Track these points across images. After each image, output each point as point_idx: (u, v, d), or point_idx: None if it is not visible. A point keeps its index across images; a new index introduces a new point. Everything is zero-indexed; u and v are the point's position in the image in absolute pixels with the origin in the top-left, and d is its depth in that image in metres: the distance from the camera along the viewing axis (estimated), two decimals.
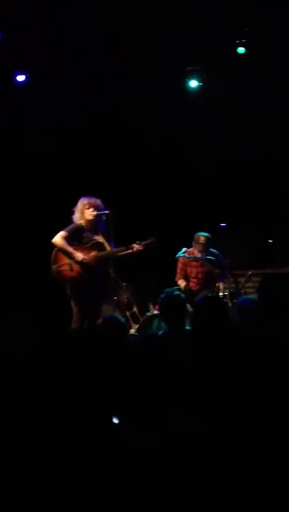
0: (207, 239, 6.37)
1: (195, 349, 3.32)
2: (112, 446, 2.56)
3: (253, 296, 5.59)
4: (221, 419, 2.70)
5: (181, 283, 6.37)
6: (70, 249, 5.82)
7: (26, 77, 7.47)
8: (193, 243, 6.44)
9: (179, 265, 6.54)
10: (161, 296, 4.18)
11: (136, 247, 5.82)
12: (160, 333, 4.13)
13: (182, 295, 4.22)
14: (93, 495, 2.41)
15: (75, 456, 2.52)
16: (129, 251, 5.86)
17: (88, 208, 5.89)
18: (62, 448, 2.55)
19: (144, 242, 5.86)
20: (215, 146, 7.94)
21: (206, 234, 6.41)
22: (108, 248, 5.88)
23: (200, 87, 7.72)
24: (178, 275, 6.54)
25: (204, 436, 2.55)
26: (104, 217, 5.90)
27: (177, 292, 4.22)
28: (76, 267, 5.83)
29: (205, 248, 6.37)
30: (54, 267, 5.85)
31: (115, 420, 2.74)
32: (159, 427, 2.64)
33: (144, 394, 2.87)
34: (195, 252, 6.46)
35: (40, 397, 2.88)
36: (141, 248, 5.82)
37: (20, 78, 7.45)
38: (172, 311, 4.07)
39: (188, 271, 6.51)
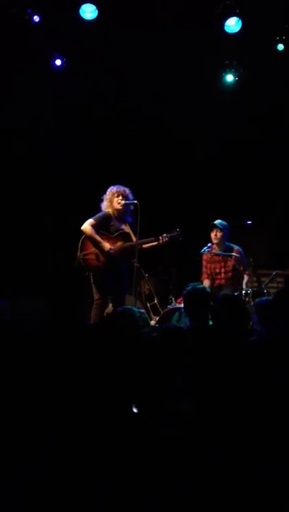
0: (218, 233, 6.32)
1: (212, 346, 3.33)
2: (129, 437, 2.57)
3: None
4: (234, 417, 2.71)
5: (206, 283, 6.31)
6: (98, 238, 5.82)
7: (63, 61, 7.46)
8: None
9: (203, 262, 6.50)
10: (187, 289, 4.17)
11: (162, 239, 5.81)
12: (184, 326, 4.13)
13: (208, 289, 4.22)
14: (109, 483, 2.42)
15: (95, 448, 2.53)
16: (155, 243, 5.85)
17: (117, 197, 5.88)
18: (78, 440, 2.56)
19: (169, 235, 5.85)
20: (246, 142, 7.90)
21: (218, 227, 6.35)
22: (134, 239, 5.87)
23: (236, 82, 7.66)
24: (203, 274, 6.49)
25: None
26: (132, 207, 5.90)
27: (202, 286, 4.21)
28: (102, 257, 5.84)
29: (221, 241, 6.32)
30: (80, 254, 5.86)
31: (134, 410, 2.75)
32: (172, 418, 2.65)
33: (158, 385, 2.88)
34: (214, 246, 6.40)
35: (53, 386, 2.90)
36: (166, 240, 5.81)
37: (58, 63, 7.44)
38: (196, 305, 4.07)
39: (213, 267, 6.47)
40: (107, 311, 6.04)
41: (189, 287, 4.16)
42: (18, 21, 6.85)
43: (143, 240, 5.87)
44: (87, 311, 5.94)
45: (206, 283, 6.34)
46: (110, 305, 6.09)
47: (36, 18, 6.92)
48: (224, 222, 6.36)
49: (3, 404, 2.78)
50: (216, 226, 6.29)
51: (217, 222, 6.32)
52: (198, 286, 4.16)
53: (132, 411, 2.77)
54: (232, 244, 6.40)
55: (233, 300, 3.78)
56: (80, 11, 6.80)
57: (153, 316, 6.60)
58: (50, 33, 7.06)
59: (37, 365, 3.05)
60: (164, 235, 5.87)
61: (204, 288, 4.17)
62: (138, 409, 2.73)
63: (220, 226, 6.28)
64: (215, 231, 6.30)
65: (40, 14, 6.92)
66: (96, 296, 5.86)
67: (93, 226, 5.84)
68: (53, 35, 7.11)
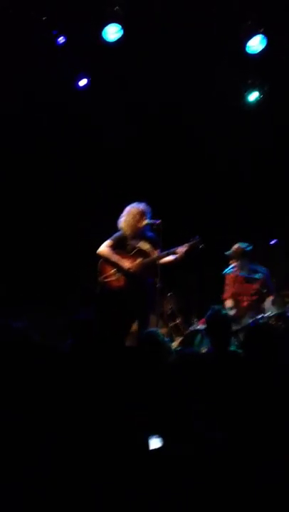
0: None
1: (243, 373, 3.29)
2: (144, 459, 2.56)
3: None
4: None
5: (229, 303, 6.25)
6: (115, 258, 5.80)
7: (88, 81, 7.51)
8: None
9: (227, 281, 6.45)
10: (209, 313, 4.13)
11: (180, 250, 5.70)
12: (205, 351, 4.11)
13: (230, 314, 4.18)
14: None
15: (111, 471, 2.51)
16: (173, 258, 5.74)
17: (142, 216, 5.85)
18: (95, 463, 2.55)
19: (188, 244, 5.71)
20: (270, 160, 7.87)
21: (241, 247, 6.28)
22: (154, 255, 5.83)
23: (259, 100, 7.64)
24: (226, 293, 6.44)
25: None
26: (154, 227, 5.86)
27: (225, 311, 4.17)
28: (122, 277, 5.82)
29: (241, 267, 6.24)
30: (101, 278, 5.82)
31: (156, 442, 2.72)
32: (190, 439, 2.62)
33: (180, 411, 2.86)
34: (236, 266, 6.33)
35: (73, 408, 2.89)
36: (184, 250, 5.68)
37: (83, 83, 7.49)
38: (218, 330, 4.03)
39: (236, 287, 6.41)
40: (131, 330, 5.99)
41: (212, 311, 4.12)
42: (43, 43, 6.92)
43: (161, 254, 5.72)
44: None
45: (229, 303, 6.29)
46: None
47: (61, 40, 6.99)
48: (243, 245, 6.26)
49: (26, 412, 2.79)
50: (228, 256, 6.24)
51: (234, 247, 6.24)
52: (221, 312, 4.12)
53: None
54: (258, 267, 6.33)
55: (267, 330, 3.68)
56: (103, 34, 6.82)
57: (175, 337, 6.56)
58: (75, 54, 7.12)
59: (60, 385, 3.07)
60: (184, 244, 5.72)
61: (226, 313, 4.14)
62: (162, 438, 2.70)
63: (232, 254, 6.21)
64: (232, 260, 6.26)
65: (66, 35, 6.98)
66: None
67: (110, 247, 5.83)
68: (78, 56, 7.17)
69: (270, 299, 6.17)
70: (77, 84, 7.48)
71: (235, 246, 6.24)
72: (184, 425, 2.77)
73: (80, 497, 2.39)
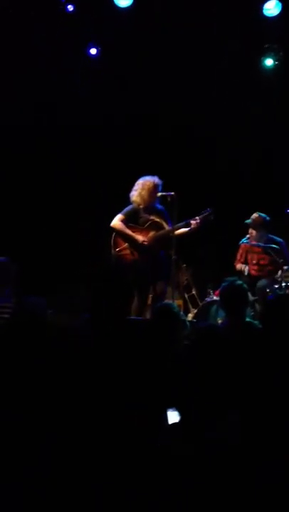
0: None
1: (263, 348, 3.22)
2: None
3: None
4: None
5: (241, 266, 6.22)
6: (129, 232, 5.75)
7: (98, 50, 7.39)
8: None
9: (240, 250, 6.40)
10: (223, 284, 4.07)
11: (193, 222, 5.67)
12: (220, 322, 4.06)
13: (245, 285, 4.10)
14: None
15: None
16: (187, 229, 5.70)
17: (156, 188, 5.77)
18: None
19: (201, 216, 5.68)
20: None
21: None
22: (166, 226, 5.78)
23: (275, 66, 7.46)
24: (237, 261, 6.38)
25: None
26: (169, 199, 5.79)
27: (240, 282, 4.09)
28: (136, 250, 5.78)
29: (258, 237, 6.17)
30: (114, 251, 5.78)
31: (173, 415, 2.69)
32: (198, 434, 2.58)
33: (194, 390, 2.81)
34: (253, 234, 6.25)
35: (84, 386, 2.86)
36: (198, 221, 5.66)
37: (93, 51, 7.38)
38: (233, 302, 3.97)
39: (250, 257, 6.35)
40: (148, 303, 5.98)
41: (226, 283, 4.05)
42: (52, 11, 6.81)
43: (174, 227, 5.68)
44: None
45: (241, 266, 6.24)
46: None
47: (70, 7, 6.87)
48: (262, 215, 6.17)
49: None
50: (247, 224, 6.17)
51: (253, 216, 6.16)
52: (236, 283, 4.04)
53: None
54: (274, 237, 6.25)
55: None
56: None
57: (191, 309, 6.54)
58: (84, 22, 7.01)
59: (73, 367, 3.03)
60: (196, 217, 5.69)
61: (241, 284, 4.05)
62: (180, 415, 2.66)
63: (252, 223, 6.13)
64: (250, 229, 6.18)
65: (74, 3, 6.86)
66: (135, 290, 5.81)
67: (123, 221, 5.77)
68: (87, 24, 7.05)
69: (286, 269, 6.11)
70: (89, 53, 7.37)
71: (255, 215, 6.16)
72: (185, 423, 2.71)
73: (80, 497, 2.37)
